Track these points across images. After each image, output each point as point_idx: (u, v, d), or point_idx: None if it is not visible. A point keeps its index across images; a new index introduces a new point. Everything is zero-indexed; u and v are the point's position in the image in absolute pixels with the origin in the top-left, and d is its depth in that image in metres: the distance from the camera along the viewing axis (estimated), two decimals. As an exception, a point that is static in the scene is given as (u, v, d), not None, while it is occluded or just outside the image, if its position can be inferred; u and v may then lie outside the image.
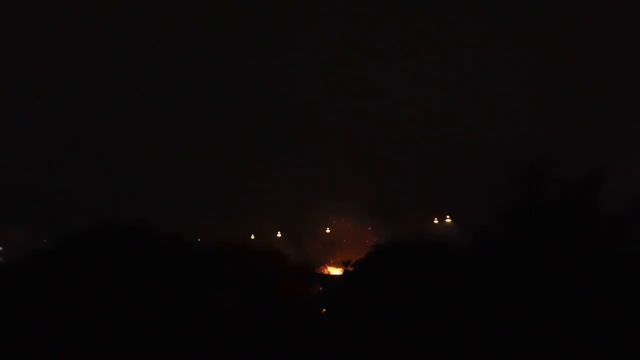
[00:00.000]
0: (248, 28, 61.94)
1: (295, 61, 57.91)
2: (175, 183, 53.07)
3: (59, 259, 29.50)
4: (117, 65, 60.90)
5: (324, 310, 30.02)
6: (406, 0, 60.62)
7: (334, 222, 51.34)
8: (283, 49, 59.32)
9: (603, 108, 54.17)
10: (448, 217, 44.56)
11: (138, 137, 57.49)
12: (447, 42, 57.15)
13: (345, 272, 32.72)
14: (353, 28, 59.08)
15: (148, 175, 54.67)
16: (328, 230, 50.44)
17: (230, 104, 59.81)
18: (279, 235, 50.08)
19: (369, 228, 47.29)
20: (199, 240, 38.53)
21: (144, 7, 62.52)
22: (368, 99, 57.56)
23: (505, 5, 58.68)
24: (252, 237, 48.51)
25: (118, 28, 61.05)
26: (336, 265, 40.45)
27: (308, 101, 56.29)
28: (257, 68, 59.35)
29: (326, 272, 37.98)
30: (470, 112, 55.56)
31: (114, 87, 60.06)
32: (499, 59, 55.78)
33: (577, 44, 56.85)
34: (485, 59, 56.66)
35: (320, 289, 31.69)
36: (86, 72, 60.53)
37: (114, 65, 60.89)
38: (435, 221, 45.06)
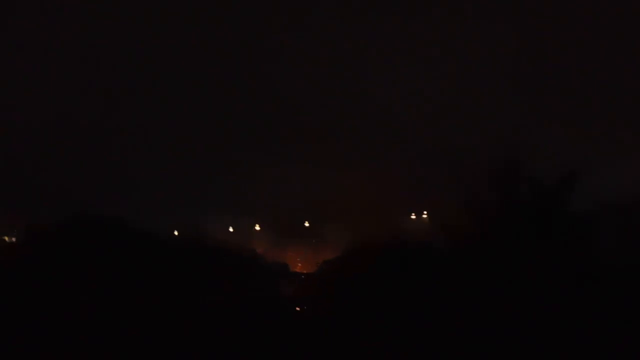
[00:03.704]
0: (235, 20, 61.80)
1: (281, 58, 57.89)
2: (155, 178, 52.94)
3: (28, 253, 29.34)
4: (104, 61, 60.66)
5: (298, 309, 30.23)
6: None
7: (312, 219, 51.46)
8: (269, 46, 59.21)
9: (583, 111, 54.41)
10: (425, 213, 44.83)
11: (119, 132, 57.34)
12: (432, 41, 57.18)
13: (319, 270, 33.02)
14: (338, 27, 59.04)
15: (128, 171, 54.57)
16: (307, 224, 50.57)
17: (215, 102, 59.68)
18: (257, 228, 50.17)
19: (344, 226, 47.42)
20: (175, 233, 38.53)
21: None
22: (351, 98, 57.59)
23: (489, 6, 58.71)
24: (230, 229, 48.63)
25: (106, 25, 60.79)
26: (312, 263, 40.63)
27: (293, 99, 56.27)
28: (242, 64, 59.25)
29: (301, 271, 38.19)
30: (451, 113, 55.68)
31: (100, 83, 59.84)
32: (483, 59, 55.88)
33: (560, 45, 57.04)
34: (468, 59, 56.74)
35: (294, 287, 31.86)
36: (68, 64, 60.23)
37: (102, 61, 60.67)
38: (413, 216, 45.33)
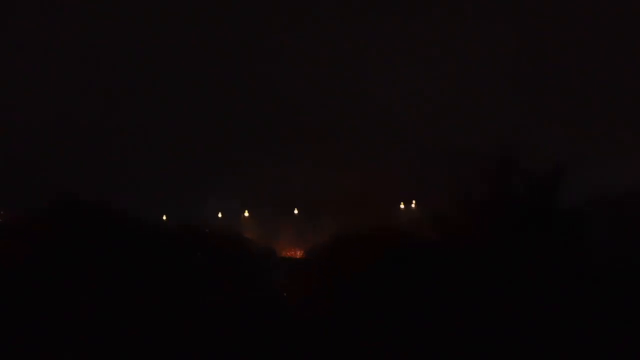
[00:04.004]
0: (235, 20, 61.60)
1: (281, 58, 57.85)
2: (155, 178, 52.97)
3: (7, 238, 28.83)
4: (104, 61, 60.54)
5: (285, 294, 29.95)
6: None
7: (302, 207, 51.42)
8: (269, 46, 59.14)
9: (582, 111, 54.42)
10: (414, 203, 44.87)
11: (119, 133, 57.30)
12: (432, 41, 57.15)
13: (307, 256, 32.79)
14: (338, 27, 58.96)
15: (127, 171, 54.53)
16: (296, 212, 50.56)
17: (215, 102, 59.59)
18: (246, 214, 50.16)
19: (336, 214, 47.41)
20: (164, 218, 38.45)
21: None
22: (351, 98, 57.59)
23: (489, 6, 58.65)
24: (220, 215, 48.63)
25: (106, 25, 60.61)
26: (301, 250, 40.53)
27: (293, 99, 56.22)
28: (242, 64, 59.17)
29: (290, 256, 38.07)
30: (451, 113, 55.69)
31: (100, 83, 59.72)
32: (483, 59, 55.91)
33: (560, 45, 57.02)
34: (468, 59, 56.77)
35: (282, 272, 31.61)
36: (68, 64, 60.08)
37: (102, 61, 60.54)
38: (402, 206, 45.33)
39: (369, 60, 58.62)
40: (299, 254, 40.42)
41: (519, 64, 56.31)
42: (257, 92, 57.79)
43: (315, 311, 27.19)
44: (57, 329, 26.16)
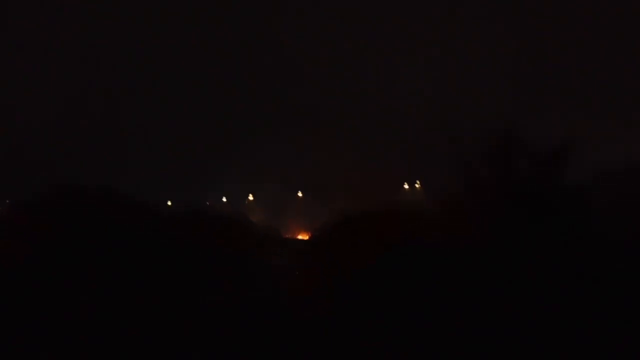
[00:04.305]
0: (235, 20, 61.53)
1: (281, 58, 57.90)
2: (155, 179, 53.10)
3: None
4: (104, 61, 60.61)
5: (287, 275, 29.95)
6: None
7: (306, 190, 51.49)
8: (269, 46, 59.13)
9: (582, 111, 54.48)
10: (418, 183, 44.88)
11: (119, 132, 57.40)
12: (432, 41, 57.17)
13: (312, 236, 32.81)
14: (338, 27, 58.96)
15: (127, 171, 54.62)
16: (300, 194, 50.65)
17: (215, 102, 59.69)
18: (250, 198, 50.25)
19: (336, 197, 47.48)
20: (169, 203, 38.42)
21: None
22: (351, 98, 57.65)
23: (489, 6, 58.59)
24: (224, 199, 48.76)
25: (106, 25, 60.58)
26: (306, 232, 40.58)
27: (293, 99, 56.30)
28: (242, 64, 59.26)
29: (294, 238, 38.10)
30: (451, 113, 55.68)
31: (100, 83, 59.75)
32: (483, 59, 55.93)
33: (560, 45, 56.99)
34: (468, 59, 56.77)
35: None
36: (68, 64, 60.11)
37: (102, 61, 60.58)
38: (406, 186, 45.35)
39: (369, 60, 58.76)
40: (304, 235, 40.51)
41: (520, 64, 56.42)
42: (257, 92, 58.01)
43: (315, 311, 27.09)
44: (55, 321, 25.85)
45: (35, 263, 27.18)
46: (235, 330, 26.22)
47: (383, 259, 27.62)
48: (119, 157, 55.79)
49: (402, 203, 38.04)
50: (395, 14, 58.60)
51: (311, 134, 52.47)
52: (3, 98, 57.69)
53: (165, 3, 61.56)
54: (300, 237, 40.76)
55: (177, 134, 57.56)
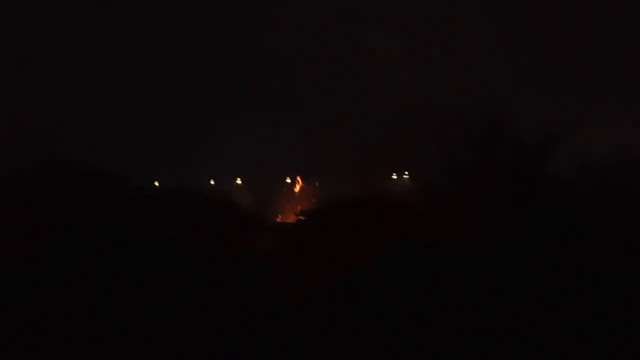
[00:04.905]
0: (235, 20, 61.46)
1: (281, 58, 57.97)
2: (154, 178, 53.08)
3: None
4: (104, 61, 60.60)
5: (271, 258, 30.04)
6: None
7: (296, 178, 51.67)
8: (269, 46, 59.14)
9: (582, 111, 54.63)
10: (406, 174, 45.01)
11: (118, 132, 57.38)
12: (432, 41, 57.27)
13: (297, 221, 33.07)
14: (338, 27, 58.99)
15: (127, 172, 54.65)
16: (288, 180, 50.82)
17: (215, 102, 59.67)
18: (238, 182, 50.38)
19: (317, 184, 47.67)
20: (155, 184, 38.46)
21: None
22: (351, 98, 57.67)
23: (489, 6, 58.60)
24: (212, 182, 48.84)
25: (106, 25, 60.47)
26: (293, 216, 40.69)
27: (293, 99, 56.31)
28: (242, 64, 59.28)
29: (281, 221, 38.28)
30: (435, 72, 55.74)
31: (100, 83, 59.71)
32: (483, 59, 56.03)
33: (560, 45, 57.07)
34: (468, 59, 56.86)
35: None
36: (67, 64, 60.04)
37: (102, 61, 60.58)
38: (394, 177, 45.51)
39: (369, 60, 58.81)
40: (291, 219, 40.68)
41: (520, 64, 56.49)
42: (257, 92, 58.06)
43: (315, 311, 27.09)
44: (46, 310, 25.01)
45: (17, 248, 26.38)
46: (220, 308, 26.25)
47: (378, 257, 27.68)
48: (108, 133, 55.80)
49: (388, 192, 38.10)
50: (395, 14, 58.60)
51: (310, 133, 52.65)
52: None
53: (165, 3, 61.53)
54: (283, 220, 41.08)
55: (176, 131, 57.62)
